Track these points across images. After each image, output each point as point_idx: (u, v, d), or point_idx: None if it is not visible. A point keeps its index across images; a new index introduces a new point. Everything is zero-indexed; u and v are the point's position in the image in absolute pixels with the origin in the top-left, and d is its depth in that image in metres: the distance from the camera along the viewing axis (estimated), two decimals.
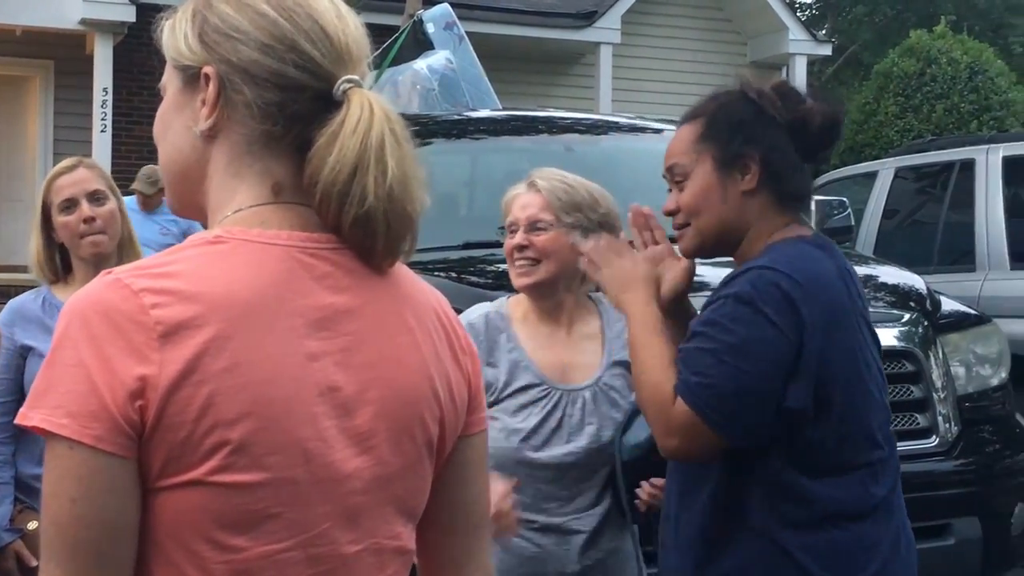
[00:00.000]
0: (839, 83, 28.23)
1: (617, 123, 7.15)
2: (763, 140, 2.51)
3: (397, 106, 7.07)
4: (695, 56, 17.78)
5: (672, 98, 16.73)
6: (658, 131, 6.85)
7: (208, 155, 1.47)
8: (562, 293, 3.18)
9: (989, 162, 7.40)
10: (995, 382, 5.18)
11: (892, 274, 5.34)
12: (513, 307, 3.25)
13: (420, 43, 8.00)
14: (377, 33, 1.81)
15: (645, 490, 3.05)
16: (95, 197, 3.62)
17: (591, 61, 17.14)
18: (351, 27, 1.48)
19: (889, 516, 2.51)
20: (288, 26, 1.43)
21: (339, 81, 1.43)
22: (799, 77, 18.01)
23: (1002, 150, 7.46)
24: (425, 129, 6.36)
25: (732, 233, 2.55)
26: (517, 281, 3.16)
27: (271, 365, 1.34)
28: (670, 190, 2.63)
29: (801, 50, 18.13)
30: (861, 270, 4.95)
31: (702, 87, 15.53)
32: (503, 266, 5.05)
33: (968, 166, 7.53)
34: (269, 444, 1.33)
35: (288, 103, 1.43)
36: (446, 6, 8.22)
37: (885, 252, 7.72)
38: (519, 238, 3.14)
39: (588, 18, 16.95)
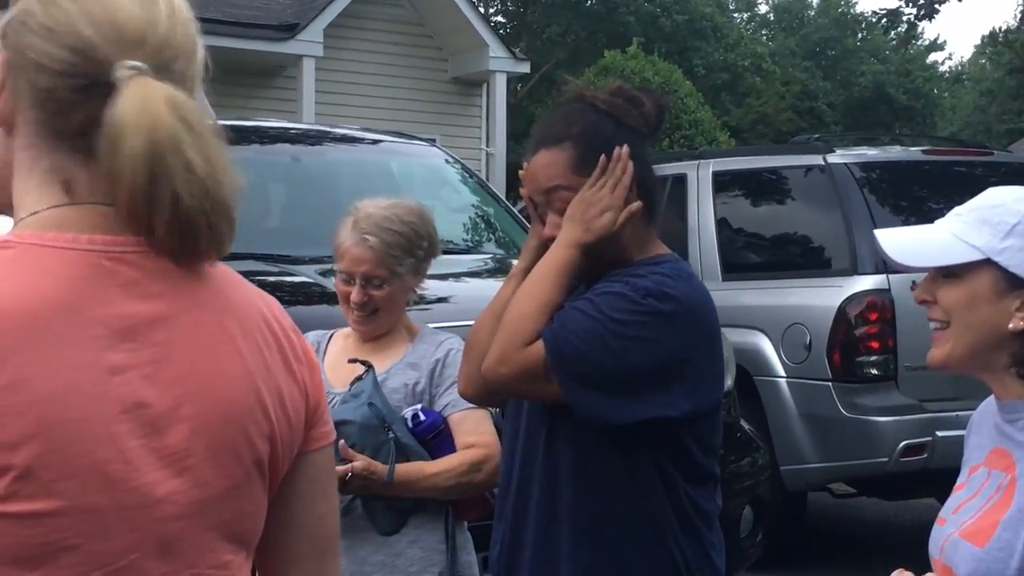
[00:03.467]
0: (534, 101, 28.87)
1: (346, 135, 7.21)
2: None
3: None
4: (397, 71, 17.85)
5: (375, 112, 16.74)
6: (376, 142, 7.02)
7: (11, 149, 1.35)
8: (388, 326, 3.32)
9: (700, 176, 7.67)
10: None
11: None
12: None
13: None
14: None
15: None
16: None
17: (293, 74, 16.97)
18: (160, 13, 1.33)
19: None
20: (72, 7, 1.30)
21: (117, 64, 1.28)
22: (499, 94, 18.35)
23: (712, 165, 7.74)
24: None
25: (603, 251, 2.49)
26: (355, 327, 3.28)
27: (62, 381, 1.21)
28: (540, 215, 2.55)
29: (501, 67, 18.43)
30: None
31: (405, 101, 15.56)
32: None
33: (680, 180, 7.76)
34: (61, 469, 1.20)
35: (59, 88, 1.29)
36: None
37: None
38: (358, 295, 3.21)
39: (290, 30, 16.78)
